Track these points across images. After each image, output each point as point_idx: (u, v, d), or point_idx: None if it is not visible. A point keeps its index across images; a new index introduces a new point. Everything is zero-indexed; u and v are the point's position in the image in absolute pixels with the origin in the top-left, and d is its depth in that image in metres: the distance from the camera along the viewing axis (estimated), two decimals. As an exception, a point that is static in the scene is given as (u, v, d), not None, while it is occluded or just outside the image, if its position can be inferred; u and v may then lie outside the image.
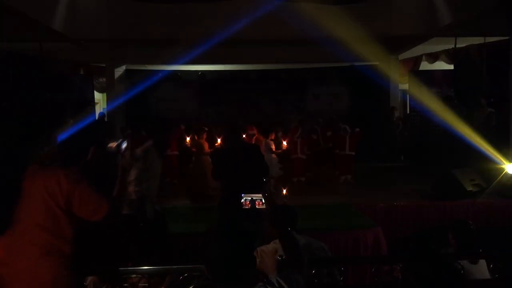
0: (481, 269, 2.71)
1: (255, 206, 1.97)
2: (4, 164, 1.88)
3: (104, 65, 10.57)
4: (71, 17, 7.94)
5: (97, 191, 1.93)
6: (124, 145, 2.15)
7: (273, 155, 6.94)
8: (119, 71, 10.68)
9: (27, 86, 8.07)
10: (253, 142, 7.03)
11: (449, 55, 9.30)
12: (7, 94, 7.52)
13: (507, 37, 7.01)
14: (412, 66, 10.46)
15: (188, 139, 7.56)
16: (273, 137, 7.54)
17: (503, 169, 5.90)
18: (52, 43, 8.14)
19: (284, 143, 7.18)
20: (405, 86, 10.51)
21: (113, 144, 2.18)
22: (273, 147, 7.14)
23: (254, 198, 1.97)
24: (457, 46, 8.72)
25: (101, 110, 10.94)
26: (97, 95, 11.44)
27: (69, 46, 8.61)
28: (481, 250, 2.81)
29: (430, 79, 9.52)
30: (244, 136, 7.18)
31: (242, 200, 1.97)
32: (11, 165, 1.87)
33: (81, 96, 9.42)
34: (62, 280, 1.86)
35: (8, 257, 1.82)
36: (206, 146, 7.29)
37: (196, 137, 7.39)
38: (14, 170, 1.85)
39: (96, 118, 9.43)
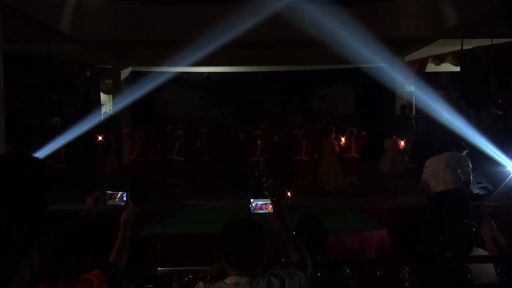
0: (489, 273, 2.69)
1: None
2: None
3: (110, 66, 10.64)
4: (78, 19, 7.99)
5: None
6: (124, 197, 1.79)
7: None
8: (125, 72, 10.74)
9: (35, 87, 8.14)
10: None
11: (456, 57, 9.24)
12: (15, 95, 7.59)
13: (514, 39, 6.97)
14: (418, 68, 10.40)
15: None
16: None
17: (510, 172, 5.84)
18: (59, 45, 8.23)
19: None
20: (411, 88, 10.46)
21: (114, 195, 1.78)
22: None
23: (261, 203, 1.88)
24: (464, 48, 8.67)
25: (106, 111, 10.99)
26: (103, 96, 11.54)
27: (76, 48, 8.68)
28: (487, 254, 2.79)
29: (436, 81, 9.46)
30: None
31: (252, 204, 1.88)
32: None
33: (88, 97, 9.48)
34: None
35: None
36: (335, 145, 7.43)
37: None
38: None
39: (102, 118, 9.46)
